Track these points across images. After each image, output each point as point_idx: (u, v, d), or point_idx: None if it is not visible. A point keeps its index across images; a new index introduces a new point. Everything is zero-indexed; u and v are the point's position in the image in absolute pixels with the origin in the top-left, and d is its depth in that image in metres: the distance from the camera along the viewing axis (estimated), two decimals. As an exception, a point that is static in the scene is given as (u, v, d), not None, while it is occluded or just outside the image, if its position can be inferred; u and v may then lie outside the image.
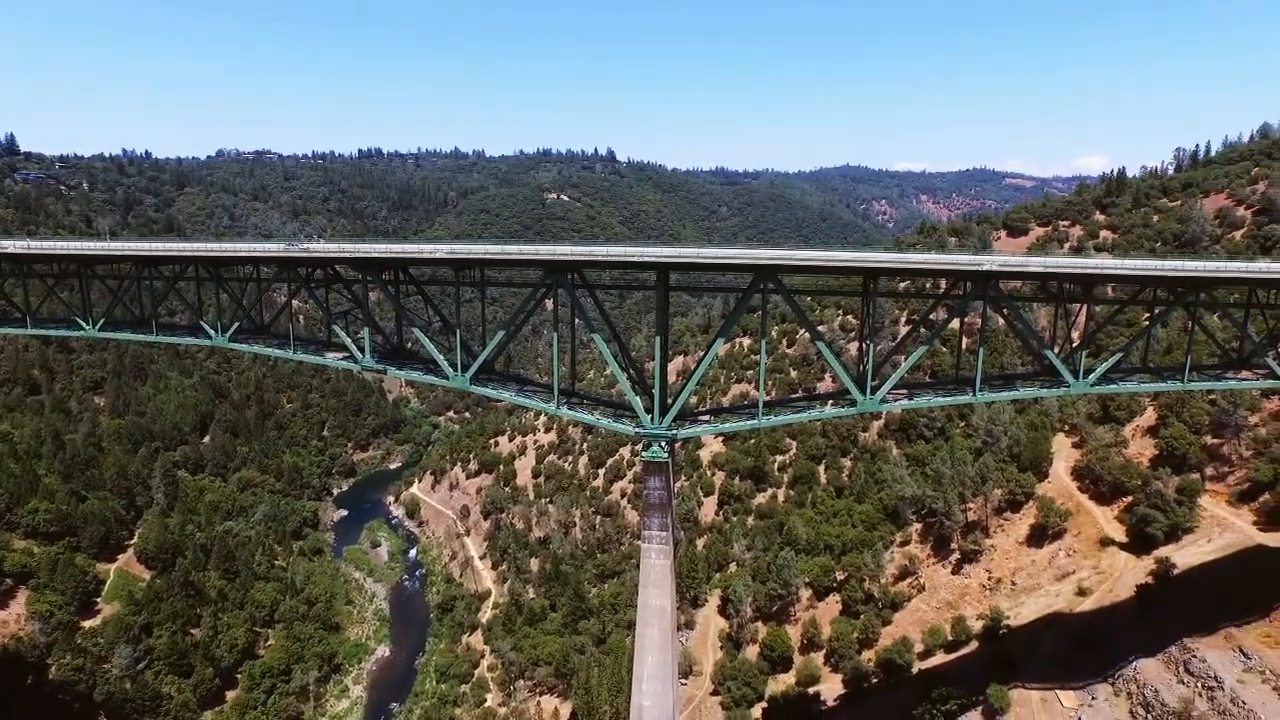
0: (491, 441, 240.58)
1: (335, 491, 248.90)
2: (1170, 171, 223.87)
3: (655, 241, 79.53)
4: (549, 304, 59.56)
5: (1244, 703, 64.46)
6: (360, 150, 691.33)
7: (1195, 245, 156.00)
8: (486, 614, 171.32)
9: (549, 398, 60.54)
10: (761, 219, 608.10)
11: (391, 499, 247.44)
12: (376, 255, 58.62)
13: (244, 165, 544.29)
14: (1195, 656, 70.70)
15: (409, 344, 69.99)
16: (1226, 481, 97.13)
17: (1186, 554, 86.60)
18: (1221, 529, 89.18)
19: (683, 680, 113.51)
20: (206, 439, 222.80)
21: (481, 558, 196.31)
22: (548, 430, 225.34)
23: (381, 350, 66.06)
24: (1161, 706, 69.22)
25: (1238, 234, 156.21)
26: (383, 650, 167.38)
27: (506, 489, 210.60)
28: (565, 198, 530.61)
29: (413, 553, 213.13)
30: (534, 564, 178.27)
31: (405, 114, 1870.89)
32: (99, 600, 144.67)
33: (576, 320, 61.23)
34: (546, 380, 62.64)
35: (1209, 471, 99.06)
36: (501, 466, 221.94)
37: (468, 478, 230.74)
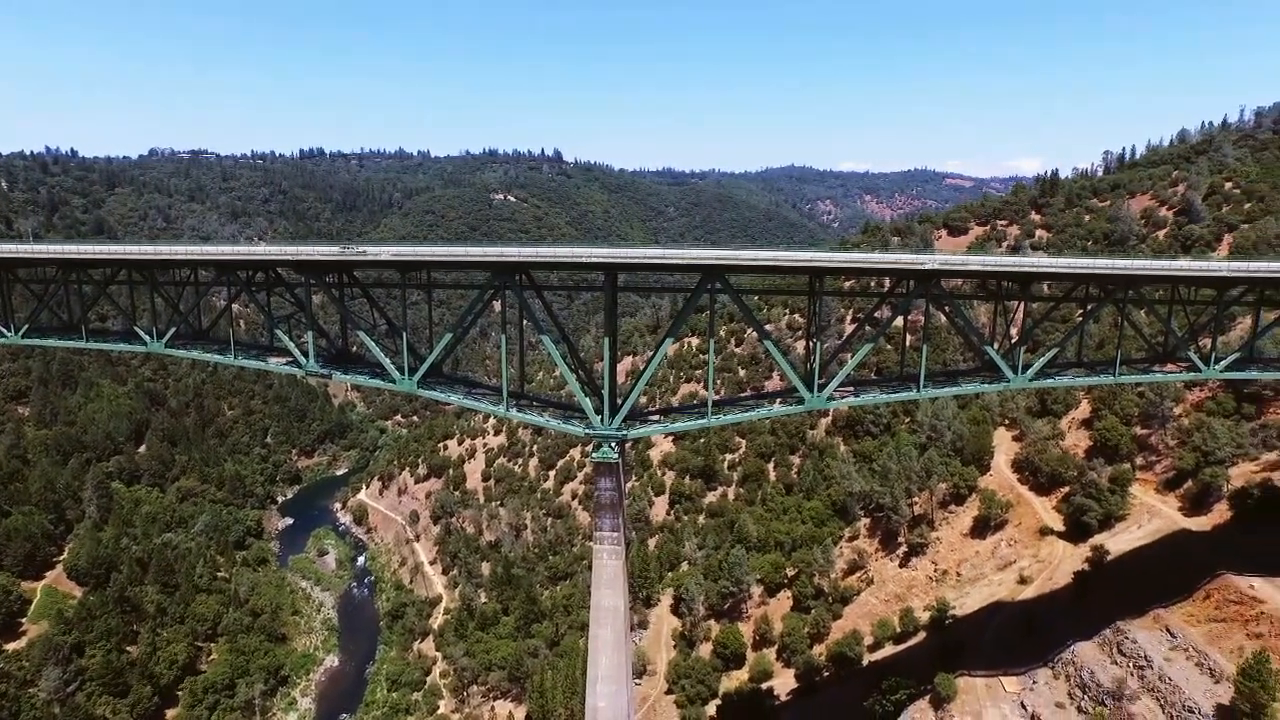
0: (440, 445, 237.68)
1: (280, 499, 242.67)
2: (1100, 173, 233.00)
3: (603, 242, 79.25)
4: (497, 305, 59.06)
5: (1170, 679, 67.46)
6: (302, 150, 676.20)
7: (1123, 244, 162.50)
8: (438, 619, 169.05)
9: (498, 400, 60.00)
10: (708, 219, 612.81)
11: (338, 505, 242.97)
12: (320, 258, 57.36)
13: (179, 165, 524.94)
14: (1127, 638, 73.60)
15: (354, 348, 68.64)
16: (1155, 470, 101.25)
17: (1119, 541, 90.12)
18: (1150, 515, 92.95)
19: (637, 680, 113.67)
20: (142, 448, 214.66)
21: (432, 563, 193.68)
22: (497, 433, 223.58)
23: (326, 354, 64.66)
24: (1097, 687, 71.91)
25: (1161, 233, 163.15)
26: (332, 660, 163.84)
27: (456, 493, 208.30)
28: (512, 198, 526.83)
29: (361, 560, 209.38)
30: (485, 568, 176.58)
31: (348, 113, 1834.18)
32: (24, 621, 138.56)
33: (525, 322, 60.86)
34: (495, 382, 62.12)
35: (1139, 461, 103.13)
36: (451, 470, 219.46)
37: (416, 482, 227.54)
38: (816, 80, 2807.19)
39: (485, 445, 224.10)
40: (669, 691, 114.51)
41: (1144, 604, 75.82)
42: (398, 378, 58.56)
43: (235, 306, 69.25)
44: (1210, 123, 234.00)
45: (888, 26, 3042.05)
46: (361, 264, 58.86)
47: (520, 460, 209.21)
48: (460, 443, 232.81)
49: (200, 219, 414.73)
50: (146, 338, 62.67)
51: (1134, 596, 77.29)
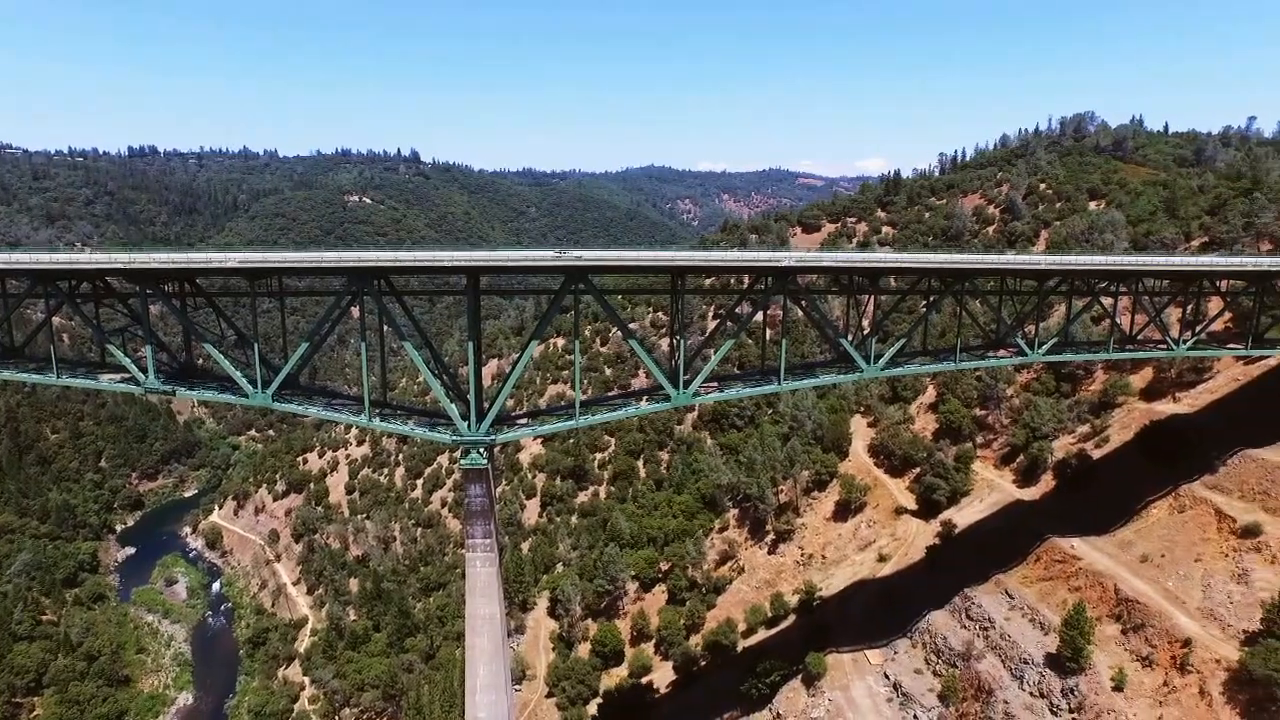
0: (300, 459, 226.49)
1: (119, 528, 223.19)
2: (936, 174, 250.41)
3: (464, 244, 77.64)
4: (355, 312, 56.53)
5: (1009, 636, 73.77)
6: (131, 148, 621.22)
7: (959, 239, 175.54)
8: (304, 643, 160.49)
9: (360, 410, 57.49)
10: (570, 219, 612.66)
11: (188, 530, 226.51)
12: (157, 266, 52.73)
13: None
14: (973, 603, 79.73)
15: (200, 361, 63.92)
16: (992, 447, 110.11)
17: (964, 514, 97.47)
18: (990, 489, 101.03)
19: (517, 686, 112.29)
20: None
21: (295, 583, 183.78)
22: (360, 443, 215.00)
23: (168, 370, 59.81)
24: (950, 651, 77.48)
25: (990, 229, 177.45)
26: (185, 698, 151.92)
27: (319, 508, 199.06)
28: (368, 200, 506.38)
29: (217, 586, 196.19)
30: (353, 584, 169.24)
31: (184, 109, 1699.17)
32: None
33: (385, 328, 58.63)
34: (356, 391, 59.64)
35: (979, 440, 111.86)
36: (312, 485, 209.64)
37: (275, 500, 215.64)
38: (672, 83, 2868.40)
39: (348, 457, 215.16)
40: (550, 694, 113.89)
41: (987, 571, 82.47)
42: (250, 391, 54.89)
43: (56, 320, 62.57)
44: (1026, 129, 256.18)
45: (738, 33, 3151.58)
46: (205, 272, 54.78)
47: (386, 470, 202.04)
48: (321, 456, 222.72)
49: (7, 222, 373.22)
50: (-59, 359, 55.70)
51: (978, 565, 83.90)
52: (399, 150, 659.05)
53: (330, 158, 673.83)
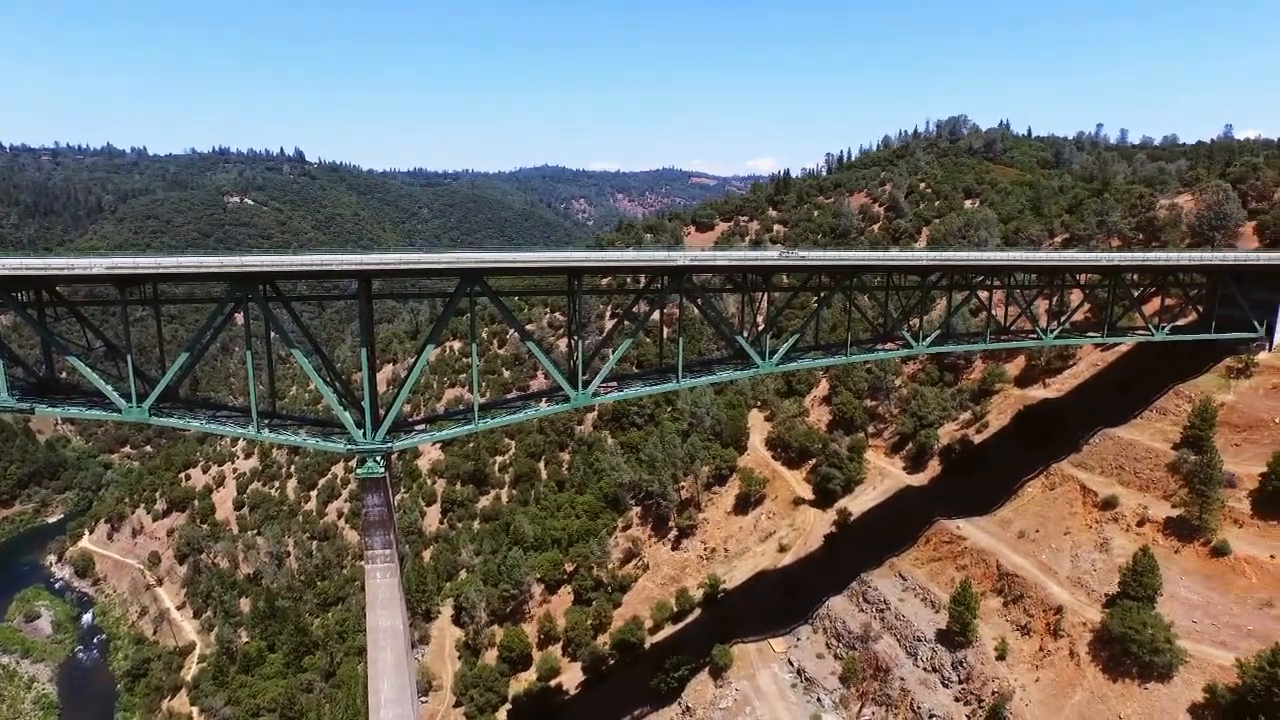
0: (182, 475, 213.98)
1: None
2: (824, 173, 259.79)
3: (355, 247, 74.72)
4: (239, 319, 53.51)
5: (904, 616, 77.36)
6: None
7: (846, 237, 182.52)
8: (191, 670, 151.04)
9: (246, 421, 54.48)
10: (464, 220, 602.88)
11: (53, 559, 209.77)
12: (7, 272, 48.08)
13: None
14: (870, 587, 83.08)
15: (64, 375, 59.01)
16: (883, 436, 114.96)
17: (859, 502, 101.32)
18: (882, 477, 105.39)
19: (423, 698, 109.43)
20: None
21: (180, 607, 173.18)
22: (248, 456, 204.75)
23: (25, 385, 54.77)
24: (849, 634, 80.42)
25: (876, 227, 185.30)
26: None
27: (204, 526, 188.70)
28: (250, 201, 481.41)
29: (88, 617, 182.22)
30: (245, 604, 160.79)
31: (35, 102, 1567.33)
32: None
33: (272, 335, 55.82)
34: (243, 402, 56.57)
35: (870, 429, 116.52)
36: (196, 502, 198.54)
37: (155, 520, 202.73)
38: (562, 84, 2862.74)
39: (235, 470, 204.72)
40: (457, 704, 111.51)
41: (881, 555, 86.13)
42: (123, 406, 50.95)
43: (-114, 335, 56.44)
44: (906, 131, 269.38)
45: (627, 38, 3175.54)
46: (67, 279, 50.42)
47: (277, 483, 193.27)
48: (206, 471, 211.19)
49: None
50: None
51: (873, 549, 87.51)
52: (282, 150, 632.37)
53: (207, 157, 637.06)
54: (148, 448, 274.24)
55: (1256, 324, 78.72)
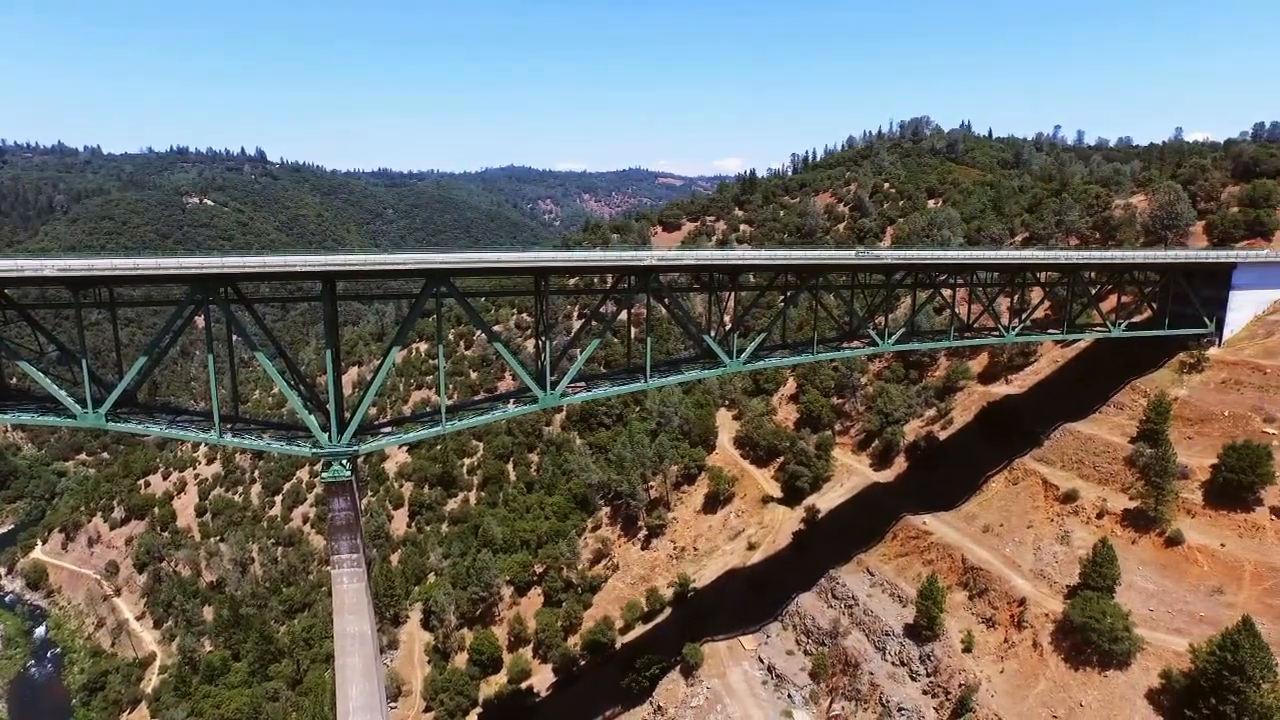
0: (141, 483, 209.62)
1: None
2: (790, 173, 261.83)
3: (319, 248, 73.71)
4: (200, 322, 52.45)
5: (872, 611, 78.18)
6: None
7: (812, 236, 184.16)
8: (152, 682, 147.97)
9: (209, 426, 53.34)
10: (430, 220, 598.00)
11: (2, 570, 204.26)
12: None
13: None
14: (838, 583, 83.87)
15: (15, 380, 57.40)
16: (850, 434, 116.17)
17: (827, 499, 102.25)
18: (850, 474, 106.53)
19: (393, 704, 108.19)
20: None
21: (139, 618, 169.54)
22: (210, 461, 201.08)
23: (-31, 391, 53.33)
24: (818, 630, 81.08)
25: (841, 226, 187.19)
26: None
27: (165, 534, 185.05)
28: (210, 202, 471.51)
29: (41, 630, 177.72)
30: (208, 612, 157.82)
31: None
32: None
33: (234, 338, 54.83)
34: (204, 406, 55.45)
35: (837, 427, 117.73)
36: (156, 509, 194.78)
37: (113, 528, 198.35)
38: (531, 83, 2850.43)
39: (197, 476, 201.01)
40: (428, 709, 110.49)
41: (849, 551, 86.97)
42: (79, 411, 49.66)
43: None
44: (870, 131, 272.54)
45: (594, 38, 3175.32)
46: (16, 281, 48.97)
47: (241, 489, 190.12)
48: (166, 477, 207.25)
49: None
50: None
51: (841, 546, 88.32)
52: (243, 149, 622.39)
53: (164, 156, 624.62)
54: (104, 454, 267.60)
55: (1207, 320, 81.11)
